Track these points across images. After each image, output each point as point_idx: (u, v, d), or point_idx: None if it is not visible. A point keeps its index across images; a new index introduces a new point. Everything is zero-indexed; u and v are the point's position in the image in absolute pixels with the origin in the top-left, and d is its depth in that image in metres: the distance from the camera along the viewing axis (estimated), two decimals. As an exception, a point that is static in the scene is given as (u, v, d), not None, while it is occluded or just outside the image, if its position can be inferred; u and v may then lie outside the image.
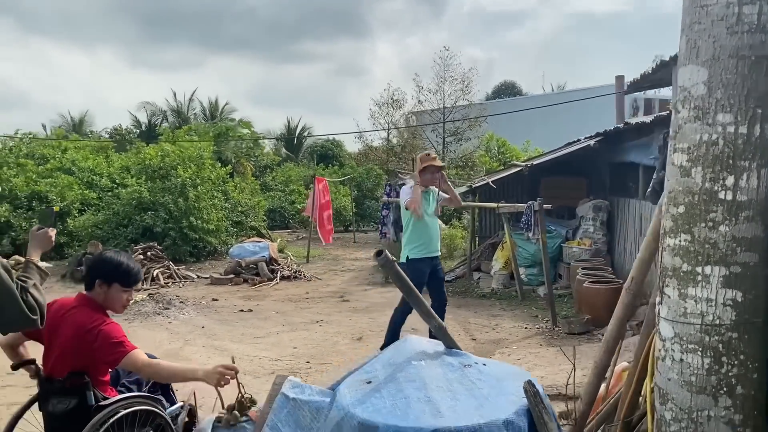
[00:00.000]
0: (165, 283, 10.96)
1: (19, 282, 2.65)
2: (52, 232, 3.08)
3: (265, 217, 17.03)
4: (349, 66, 73.26)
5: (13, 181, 13.79)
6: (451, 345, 3.23)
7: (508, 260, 10.41)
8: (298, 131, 37.72)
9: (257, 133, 22.89)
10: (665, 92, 36.66)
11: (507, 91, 45.62)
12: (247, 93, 63.24)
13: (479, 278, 10.88)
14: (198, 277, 11.76)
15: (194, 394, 3.83)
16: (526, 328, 7.69)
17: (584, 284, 7.60)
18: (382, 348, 5.79)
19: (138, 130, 33.60)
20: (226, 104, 34.75)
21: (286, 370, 6.03)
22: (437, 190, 6.09)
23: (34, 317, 2.59)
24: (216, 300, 9.55)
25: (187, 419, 3.54)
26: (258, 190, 18.49)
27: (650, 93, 40.25)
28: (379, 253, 3.02)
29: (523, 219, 8.18)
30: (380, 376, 2.94)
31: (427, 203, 6.09)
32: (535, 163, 10.14)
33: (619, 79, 11.57)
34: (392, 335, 6.22)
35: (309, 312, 8.77)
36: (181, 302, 9.12)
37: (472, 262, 11.63)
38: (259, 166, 23.14)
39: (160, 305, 8.89)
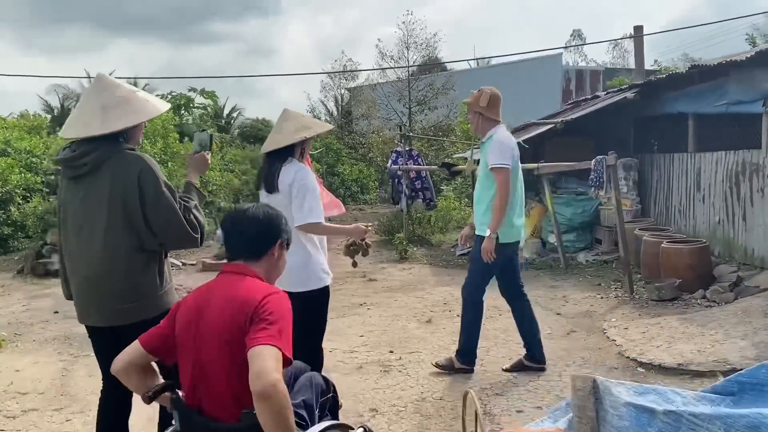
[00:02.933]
0: (149, 272, 9.45)
1: (182, 201, 2.74)
2: (208, 156, 3.02)
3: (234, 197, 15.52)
4: (259, 46, 70.17)
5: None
6: None
7: (535, 227, 9.65)
8: (226, 112, 35.87)
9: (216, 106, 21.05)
10: (595, 64, 37.32)
11: (431, 67, 45.16)
12: (154, 76, 59.49)
13: (501, 248, 10.07)
14: (183, 264, 10.30)
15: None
16: (601, 297, 6.93)
17: (662, 245, 6.91)
18: (458, 354, 4.65)
19: (50, 115, 30.57)
20: (146, 85, 32.35)
21: (377, 363, 4.97)
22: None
23: (195, 236, 2.74)
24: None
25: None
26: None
27: (582, 64, 41.08)
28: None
29: (592, 176, 7.37)
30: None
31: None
32: (572, 117, 9.33)
33: (638, 29, 10.99)
34: (469, 338, 4.70)
35: (342, 294, 7.65)
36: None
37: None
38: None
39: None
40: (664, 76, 8.28)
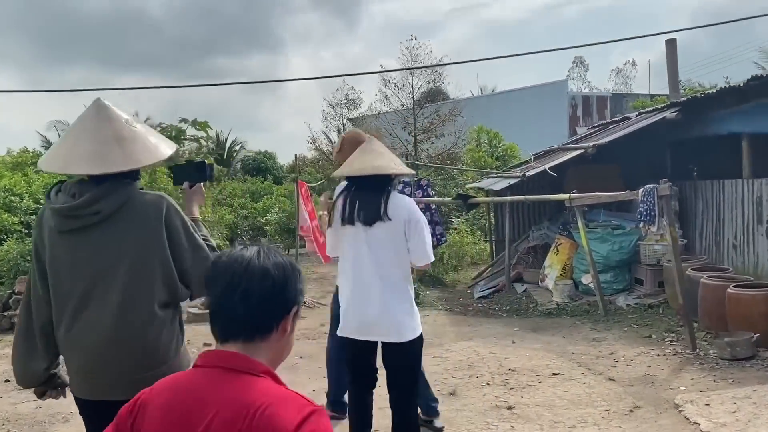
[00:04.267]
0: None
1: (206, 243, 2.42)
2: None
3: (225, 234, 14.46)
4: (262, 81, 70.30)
5: None
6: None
7: (566, 266, 8.52)
8: (228, 145, 35.30)
9: (210, 139, 20.14)
10: (601, 90, 36.57)
11: (433, 97, 44.63)
12: (157, 112, 59.19)
13: (525, 290, 8.94)
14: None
15: None
16: (657, 355, 5.77)
17: (729, 290, 5.77)
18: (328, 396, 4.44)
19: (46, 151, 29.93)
20: (147, 119, 31.78)
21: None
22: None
23: None
24: (210, 345, 7.08)
25: None
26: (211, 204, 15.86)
27: (586, 90, 40.39)
28: None
29: (641, 209, 6.27)
30: None
31: None
32: (605, 141, 8.25)
33: (671, 43, 10.00)
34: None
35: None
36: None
37: (500, 271, 9.73)
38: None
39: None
40: (713, 91, 7.24)
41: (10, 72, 62.92)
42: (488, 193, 10.01)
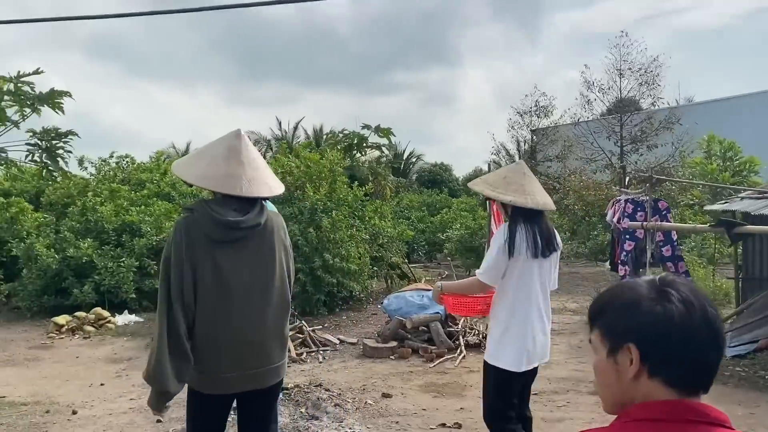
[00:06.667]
0: (298, 354, 7.32)
1: None
2: None
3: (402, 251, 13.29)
4: (439, 94, 69.68)
5: (100, 211, 10.80)
6: None
7: None
8: (405, 155, 34.87)
9: (392, 146, 19.44)
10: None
11: (624, 108, 40.60)
12: (340, 125, 61.34)
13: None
14: (341, 341, 8.05)
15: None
16: None
17: None
18: None
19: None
20: (330, 131, 32.39)
21: None
22: None
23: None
24: (389, 396, 5.71)
25: None
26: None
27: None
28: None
29: None
30: None
31: None
32: None
33: None
34: None
35: (573, 423, 4.76)
36: (336, 404, 5.34)
37: (758, 321, 7.25)
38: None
39: (303, 409, 5.18)
40: None
41: (216, 88, 69.17)
42: (747, 217, 7.61)
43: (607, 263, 13.14)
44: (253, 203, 2.63)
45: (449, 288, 3.53)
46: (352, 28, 79.62)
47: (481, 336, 7.74)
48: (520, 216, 3.26)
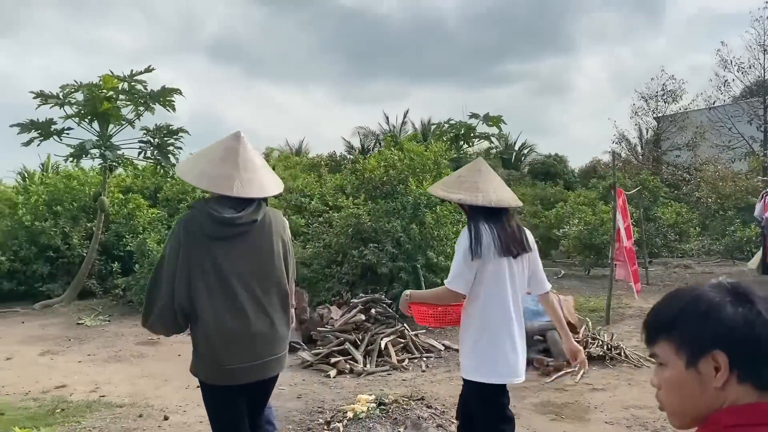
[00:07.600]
0: (399, 360, 6.81)
1: None
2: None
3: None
4: (552, 83, 66.47)
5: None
6: None
7: None
8: (517, 146, 33.47)
9: (502, 136, 18.54)
10: None
11: (761, 92, 36.59)
12: (448, 118, 60.22)
13: None
14: (446, 347, 7.45)
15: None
16: None
17: None
18: None
19: (351, 156, 32.08)
20: (438, 123, 31.83)
21: None
22: None
23: None
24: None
25: None
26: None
27: None
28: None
29: None
30: None
31: None
32: None
33: None
34: None
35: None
36: (438, 425, 4.75)
37: None
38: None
39: (402, 429, 4.64)
40: None
41: (328, 86, 70.75)
42: None
43: (750, 262, 11.61)
44: (250, 201, 2.78)
45: (418, 297, 3.26)
46: (461, 20, 78.22)
47: (605, 347, 6.86)
48: (479, 215, 3.12)
